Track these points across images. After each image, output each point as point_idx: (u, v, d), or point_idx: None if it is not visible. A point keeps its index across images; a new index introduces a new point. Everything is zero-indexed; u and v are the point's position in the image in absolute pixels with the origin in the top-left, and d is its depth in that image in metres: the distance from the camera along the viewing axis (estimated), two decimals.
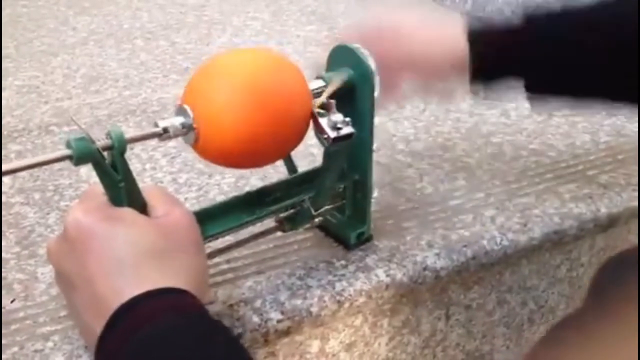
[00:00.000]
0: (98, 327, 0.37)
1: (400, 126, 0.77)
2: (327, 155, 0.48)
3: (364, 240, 0.55)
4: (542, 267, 0.64)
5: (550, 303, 0.67)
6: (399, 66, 0.55)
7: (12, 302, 0.49)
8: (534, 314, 0.67)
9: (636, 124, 0.77)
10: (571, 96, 0.57)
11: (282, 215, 0.52)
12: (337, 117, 0.45)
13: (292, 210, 0.52)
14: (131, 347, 0.35)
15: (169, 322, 0.36)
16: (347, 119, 0.45)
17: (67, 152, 0.38)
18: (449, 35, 0.56)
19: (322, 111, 0.45)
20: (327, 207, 0.53)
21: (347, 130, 0.45)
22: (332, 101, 0.46)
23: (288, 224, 0.53)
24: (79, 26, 1.12)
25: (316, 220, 0.53)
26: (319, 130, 0.45)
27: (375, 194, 0.54)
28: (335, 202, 0.54)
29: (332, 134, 0.44)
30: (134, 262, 0.38)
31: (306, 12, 1.21)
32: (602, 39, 0.52)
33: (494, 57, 0.56)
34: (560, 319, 0.31)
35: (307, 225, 0.54)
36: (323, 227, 0.57)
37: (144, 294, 0.37)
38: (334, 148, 0.45)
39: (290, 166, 0.53)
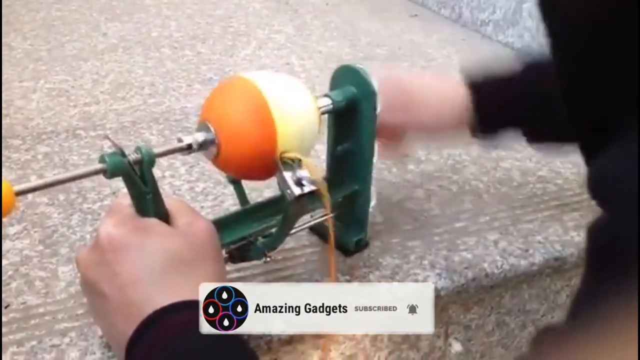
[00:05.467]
0: (129, 330, 0.40)
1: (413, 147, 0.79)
2: (287, 206, 0.46)
3: (362, 246, 0.58)
4: (542, 292, 0.65)
5: None
6: (400, 116, 0.58)
7: (6, 307, 0.51)
8: None
9: None
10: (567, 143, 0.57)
11: (232, 247, 0.51)
12: (303, 173, 0.44)
13: (242, 242, 0.51)
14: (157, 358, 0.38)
15: (190, 338, 0.39)
16: (313, 178, 0.43)
17: (102, 166, 0.41)
18: (448, 84, 0.59)
19: (290, 162, 0.44)
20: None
21: (310, 188, 0.43)
22: (308, 160, 0.44)
23: (238, 256, 0.52)
24: (110, 32, 1.16)
25: (267, 259, 0.51)
26: (282, 183, 0.44)
27: (373, 202, 0.56)
28: (334, 211, 0.55)
29: (297, 191, 0.43)
30: (163, 270, 0.42)
31: (330, 28, 1.24)
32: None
33: (494, 108, 0.58)
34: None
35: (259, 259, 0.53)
36: (322, 234, 0.59)
37: (170, 306, 0.40)
38: (295, 204, 0.44)
39: (243, 198, 0.55)
